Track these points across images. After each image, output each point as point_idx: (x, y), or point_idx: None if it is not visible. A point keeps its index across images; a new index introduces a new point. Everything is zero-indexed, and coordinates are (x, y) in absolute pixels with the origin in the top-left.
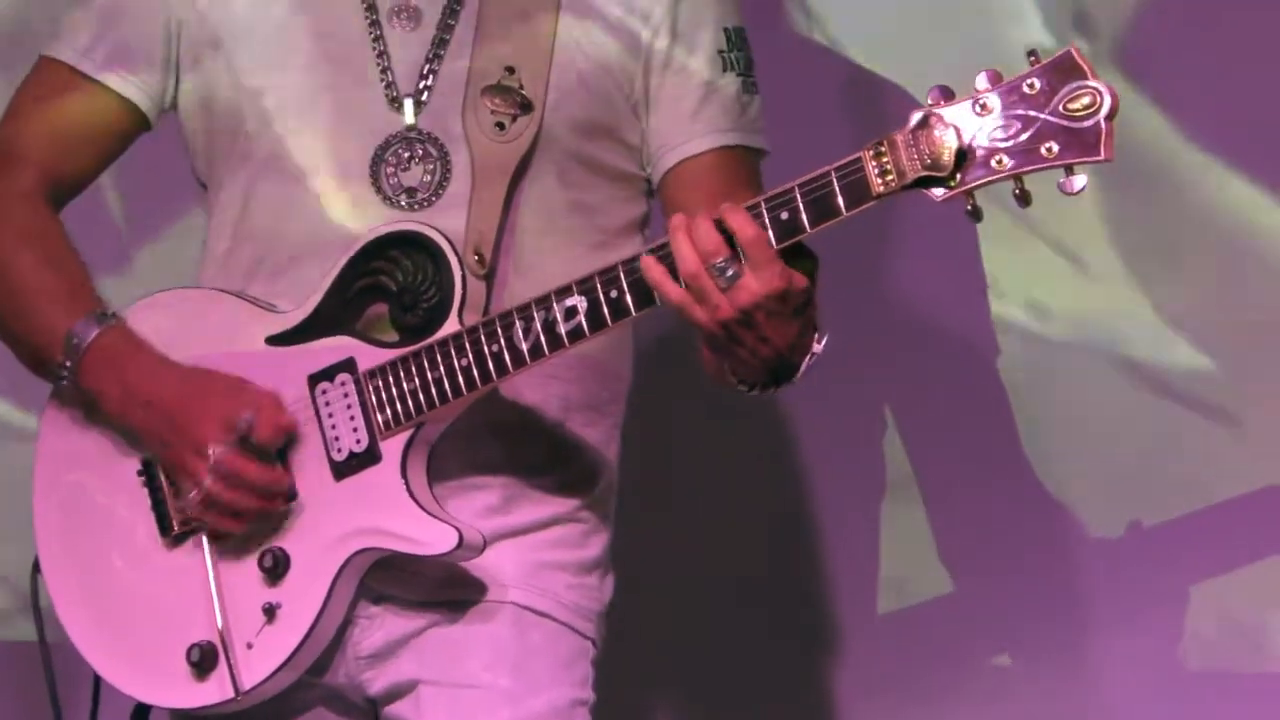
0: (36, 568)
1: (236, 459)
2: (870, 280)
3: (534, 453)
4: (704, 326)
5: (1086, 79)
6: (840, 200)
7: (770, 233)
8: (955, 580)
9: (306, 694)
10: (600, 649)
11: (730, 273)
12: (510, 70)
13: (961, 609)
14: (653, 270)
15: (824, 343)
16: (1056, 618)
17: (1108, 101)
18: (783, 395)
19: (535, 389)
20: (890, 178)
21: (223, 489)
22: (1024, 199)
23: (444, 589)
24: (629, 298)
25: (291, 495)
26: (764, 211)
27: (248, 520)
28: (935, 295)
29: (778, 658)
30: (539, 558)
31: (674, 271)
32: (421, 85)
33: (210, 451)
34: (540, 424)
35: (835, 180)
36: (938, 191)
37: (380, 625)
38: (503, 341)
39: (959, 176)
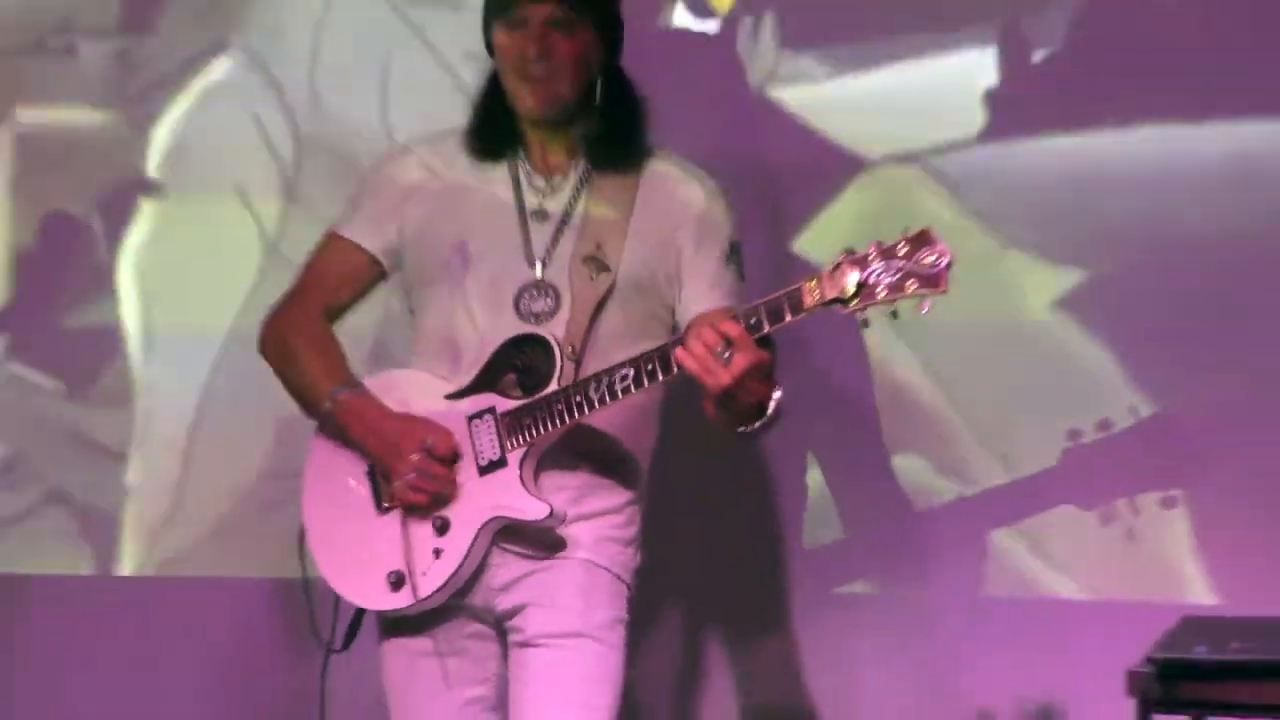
0: (302, 535)
1: (426, 462)
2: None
3: (599, 464)
4: (713, 388)
5: (936, 244)
6: (787, 311)
7: (747, 328)
8: (847, 530)
9: (456, 613)
10: (633, 593)
11: (727, 355)
12: (600, 246)
13: (856, 559)
14: (686, 359)
15: (779, 393)
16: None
17: (948, 258)
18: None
19: (600, 422)
20: (817, 297)
21: (416, 478)
22: (895, 315)
23: (545, 549)
24: (658, 368)
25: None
26: (742, 314)
27: (429, 497)
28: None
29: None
30: (601, 533)
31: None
32: (546, 255)
33: (411, 459)
34: (603, 446)
35: (785, 298)
36: (844, 308)
37: (506, 568)
38: (584, 395)
39: (857, 300)
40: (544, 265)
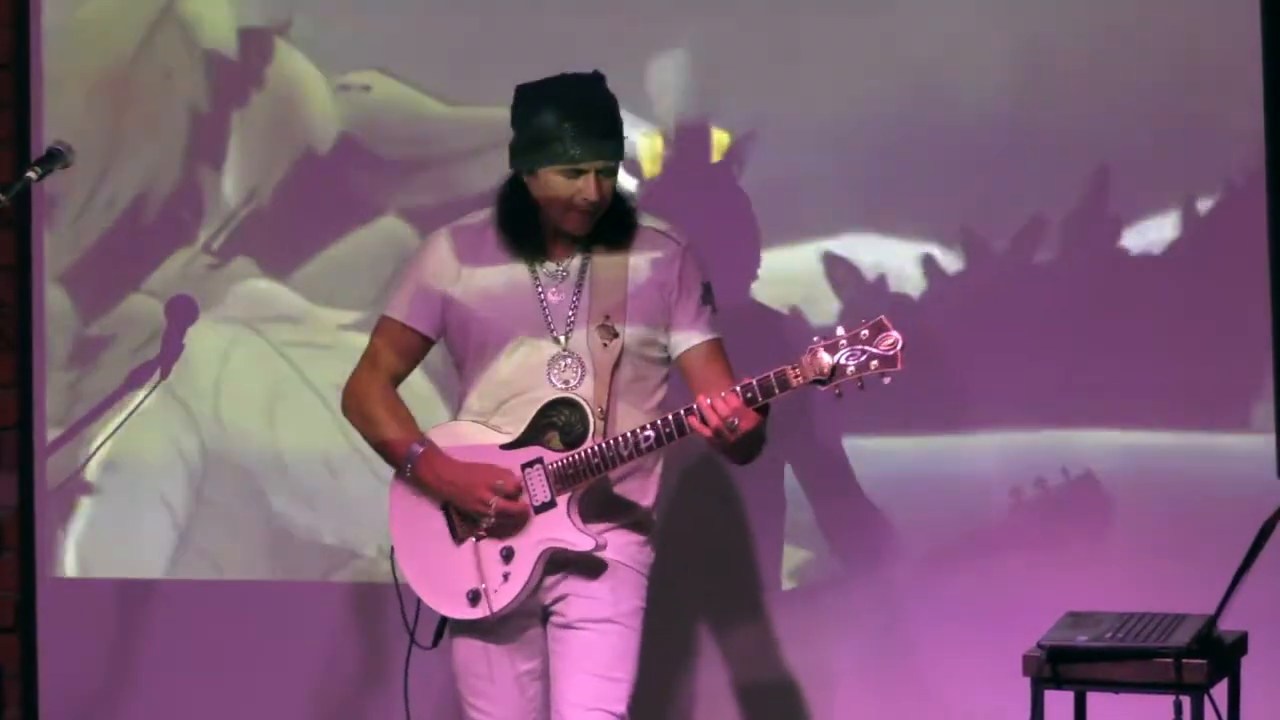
0: (392, 552)
1: (504, 503)
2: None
3: (621, 495)
4: (719, 445)
5: (890, 331)
6: (775, 387)
7: (744, 400)
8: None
9: (525, 613)
10: (650, 581)
11: (734, 423)
12: (608, 317)
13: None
14: (703, 428)
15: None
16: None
17: (901, 341)
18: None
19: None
20: (799, 379)
21: (500, 515)
22: (863, 388)
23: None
24: (675, 431)
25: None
26: (740, 390)
27: (513, 526)
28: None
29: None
30: (623, 537)
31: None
32: (567, 329)
33: (491, 502)
34: (624, 481)
35: (774, 378)
36: (822, 386)
37: (550, 571)
38: (617, 451)
39: (832, 380)
40: (566, 339)
